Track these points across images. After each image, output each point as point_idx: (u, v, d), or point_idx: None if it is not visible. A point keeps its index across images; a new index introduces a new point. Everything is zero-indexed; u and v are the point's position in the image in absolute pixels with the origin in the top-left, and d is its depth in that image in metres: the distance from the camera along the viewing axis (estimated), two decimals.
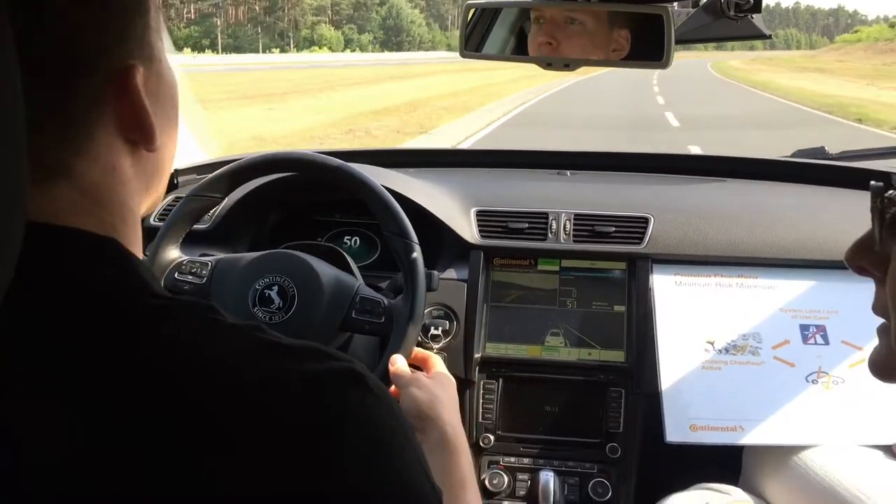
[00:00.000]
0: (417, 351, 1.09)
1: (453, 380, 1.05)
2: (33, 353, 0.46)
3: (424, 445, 0.88)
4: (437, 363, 1.08)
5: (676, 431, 1.22)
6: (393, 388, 1.05)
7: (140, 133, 0.54)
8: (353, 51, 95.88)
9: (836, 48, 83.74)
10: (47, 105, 0.49)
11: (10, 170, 0.37)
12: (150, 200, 0.60)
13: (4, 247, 0.37)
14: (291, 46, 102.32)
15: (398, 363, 1.07)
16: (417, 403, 0.96)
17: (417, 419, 0.94)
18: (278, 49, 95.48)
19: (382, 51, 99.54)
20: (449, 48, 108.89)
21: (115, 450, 0.44)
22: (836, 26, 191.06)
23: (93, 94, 0.51)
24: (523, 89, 21.75)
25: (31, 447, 0.44)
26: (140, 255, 0.56)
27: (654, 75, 24.51)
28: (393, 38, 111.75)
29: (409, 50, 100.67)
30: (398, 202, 1.26)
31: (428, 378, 1.03)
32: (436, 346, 1.38)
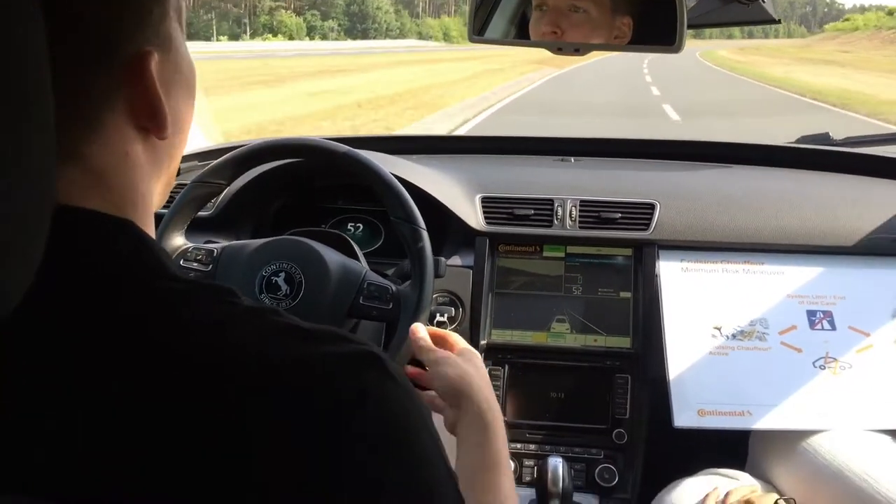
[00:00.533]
0: (434, 330, 1.07)
1: (478, 354, 1.00)
2: (51, 334, 0.46)
3: (461, 423, 0.87)
4: (459, 339, 1.05)
5: (684, 416, 1.22)
6: (412, 369, 1.01)
7: (152, 121, 0.53)
8: (315, 39, 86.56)
9: (831, 37, 79.37)
10: (60, 89, 0.48)
11: (42, 153, 0.36)
12: (161, 188, 0.60)
13: (36, 227, 0.37)
14: (247, 34, 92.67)
15: (420, 333, 1.00)
16: (450, 381, 0.91)
17: (452, 397, 0.90)
18: (227, 37, 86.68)
19: (347, 39, 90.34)
20: (420, 36, 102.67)
21: (133, 432, 0.44)
22: (813, 15, 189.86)
23: (106, 79, 0.51)
24: (485, 91, 16.55)
25: (48, 426, 0.44)
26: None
27: (647, 76, 23.10)
28: (358, 25, 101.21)
29: (374, 38, 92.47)
30: (404, 188, 1.26)
31: (456, 354, 0.98)
32: None
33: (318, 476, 0.45)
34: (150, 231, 0.56)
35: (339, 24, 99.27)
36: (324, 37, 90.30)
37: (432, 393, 0.94)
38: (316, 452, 0.45)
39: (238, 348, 0.47)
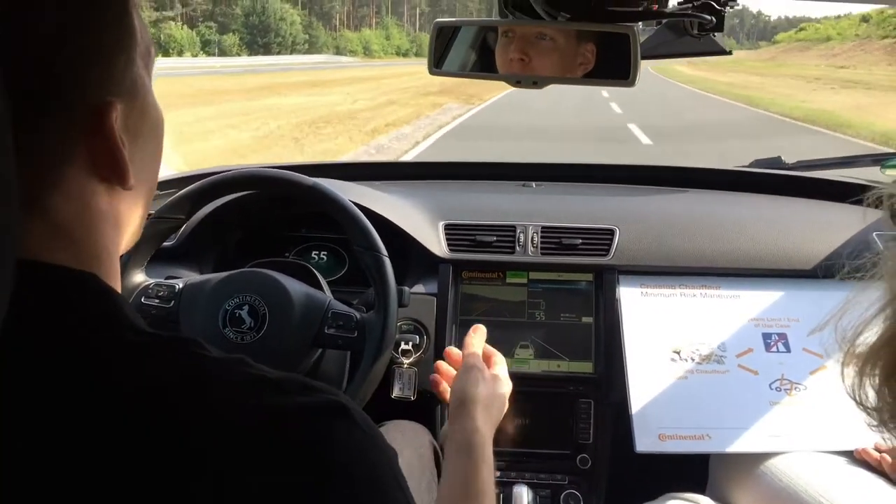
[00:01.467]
0: (487, 347, 1.10)
1: (509, 390, 1.05)
2: (15, 390, 0.45)
3: (450, 435, 0.92)
4: (500, 365, 1.09)
5: (646, 441, 1.24)
6: (438, 374, 1.09)
7: (113, 172, 0.53)
8: (212, 54, 73.03)
9: (795, 48, 71.78)
10: (20, 139, 0.48)
11: (2, 211, 0.36)
12: (127, 236, 0.59)
13: None
14: None
15: (475, 341, 1.08)
16: (464, 394, 0.97)
17: (456, 408, 0.96)
18: None
19: (248, 54, 76.86)
20: (337, 50, 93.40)
21: (102, 490, 0.43)
22: (741, 27, 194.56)
23: (67, 130, 0.50)
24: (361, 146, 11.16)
25: (15, 488, 0.43)
26: (119, 290, 0.55)
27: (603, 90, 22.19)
28: (258, 38, 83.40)
29: (279, 53, 78.62)
30: (366, 216, 1.26)
31: (489, 376, 1.03)
32: (406, 360, 1.38)
33: None
34: (115, 282, 0.55)
35: (241, 38, 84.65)
36: (223, 52, 77.79)
37: (447, 391, 1.04)
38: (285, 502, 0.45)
39: (205, 403, 0.47)
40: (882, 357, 0.50)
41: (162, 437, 0.45)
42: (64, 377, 0.46)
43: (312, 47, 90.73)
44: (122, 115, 0.52)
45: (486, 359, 1.09)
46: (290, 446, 0.47)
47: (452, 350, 1.13)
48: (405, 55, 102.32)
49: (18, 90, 0.46)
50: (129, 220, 0.58)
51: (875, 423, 0.53)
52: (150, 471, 0.44)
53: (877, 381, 0.51)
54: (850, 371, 0.53)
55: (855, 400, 0.53)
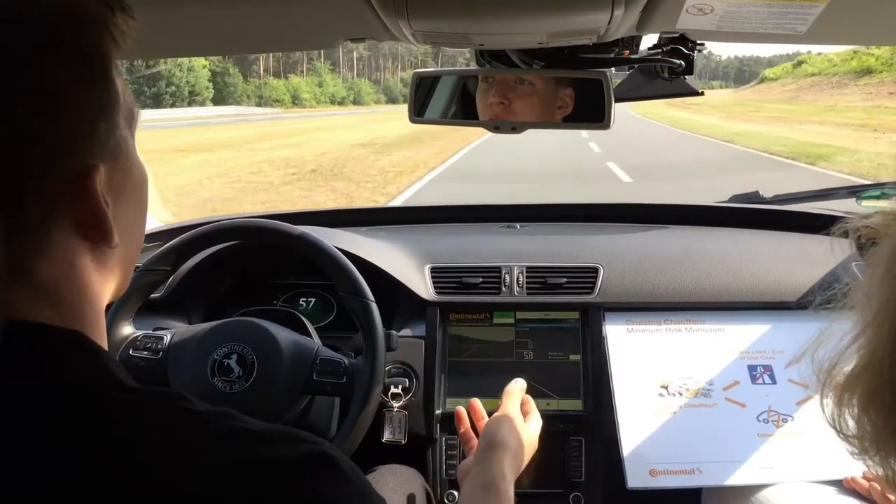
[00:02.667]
0: (526, 396, 1.16)
1: (536, 442, 1.10)
2: (2, 448, 0.46)
3: (471, 473, 0.96)
4: (534, 417, 1.14)
5: (637, 477, 1.24)
6: (465, 411, 1.17)
7: (98, 233, 0.54)
8: None
9: (786, 85, 62.47)
10: (4, 206, 0.49)
11: None
12: (113, 290, 0.60)
13: None
14: None
15: (517, 387, 1.15)
16: (496, 438, 1.01)
17: (485, 449, 1.00)
18: None
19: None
20: (260, 100, 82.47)
21: None
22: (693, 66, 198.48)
23: (50, 195, 0.51)
24: None
25: None
26: (105, 346, 0.56)
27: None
28: (146, 88, 63.77)
29: (172, 105, 62.96)
30: (352, 262, 1.28)
31: (522, 426, 1.07)
32: (396, 404, 1.39)
33: None
34: (101, 338, 0.56)
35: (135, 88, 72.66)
36: None
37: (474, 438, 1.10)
38: None
39: (191, 457, 0.48)
40: (859, 386, 0.52)
41: (146, 493, 0.46)
42: (48, 435, 0.47)
43: (224, 97, 77.27)
44: (105, 176, 0.54)
45: (525, 403, 1.15)
46: (276, 499, 0.47)
47: (477, 403, 1.19)
48: (341, 104, 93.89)
49: (2, 157, 0.48)
50: (114, 276, 0.59)
51: (857, 451, 0.54)
52: None
53: (855, 410, 0.52)
54: (829, 402, 0.55)
55: (835, 429, 0.55)
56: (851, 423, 0.53)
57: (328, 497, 0.49)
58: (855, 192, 1.75)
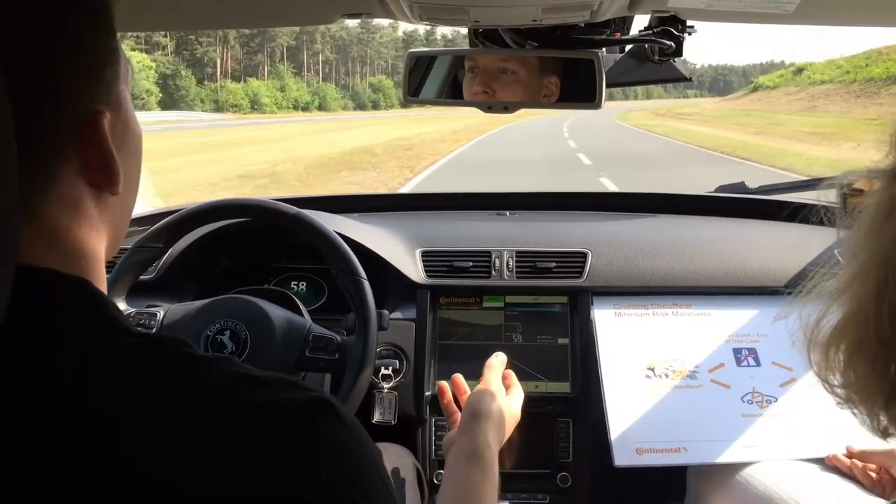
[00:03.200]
0: (507, 371, 1.17)
1: (518, 414, 1.11)
2: (12, 394, 0.46)
3: (456, 443, 0.97)
4: (516, 390, 1.15)
5: (624, 456, 1.26)
6: (447, 384, 1.18)
7: (105, 177, 0.55)
8: None
9: (791, 93, 56.24)
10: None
11: (5, 212, 0.38)
12: (110, 244, 0.61)
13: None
14: None
15: (497, 361, 1.16)
16: (479, 409, 1.03)
17: (469, 420, 1.01)
18: None
19: None
20: (216, 105, 74.91)
21: (94, 487, 0.45)
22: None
23: (60, 136, 0.52)
24: None
25: (17, 487, 0.45)
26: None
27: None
28: None
29: None
30: (346, 244, 1.29)
31: (504, 398, 1.09)
32: (387, 385, 1.40)
33: None
34: (103, 286, 0.57)
35: None
36: None
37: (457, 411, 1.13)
38: (272, 498, 0.47)
39: (195, 400, 0.49)
40: (845, 337, 0.53)
41: (151, 433, 0.46)
42: (56, 378, 0.47)
43: (175, 101, 71.64)
44: (109, 124, 0.54)
45: (505, 377, 1.17)
46: (276, 440, 0.48)
47: (460, 378, 1.20)
48: (305, 109, 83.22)
49: (14, 96, 0.49)
50: (113, 228, 0.59)
51: (843, 402, 0.56)
52: (141, 465, 0.45)
53: (842, 361, 0.54)
54: (816, 356, 0.57)
55: (822, 381, 0.56)
56: (838, 374, 0.55)
57: (326, 441, 0.50)
58: (842, 183, 1.78)
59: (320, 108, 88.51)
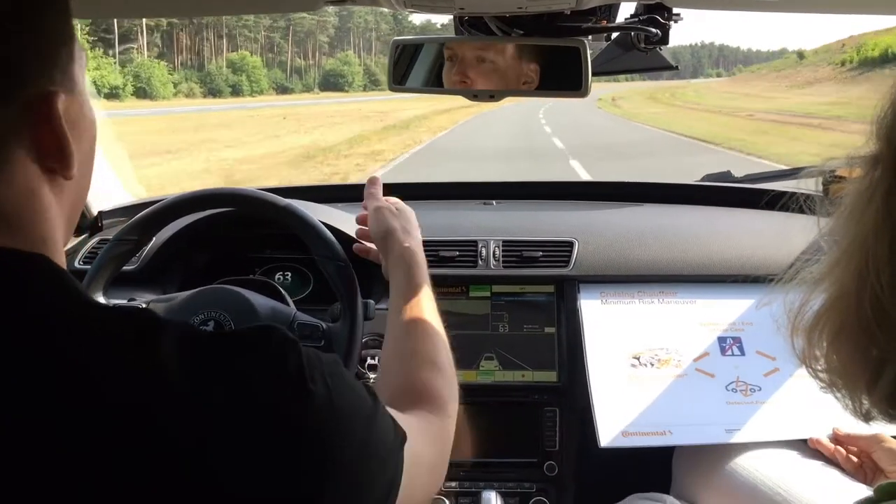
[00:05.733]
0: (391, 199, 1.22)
1: (412, 211, 1.20)
2: None
3: (388, 261, 1.08)
4: (397, 201, 1.23)
5: (608, 437, 1.26)
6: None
7: (59, 160, 0.54)
8: None
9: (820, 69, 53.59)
10: None
11: None
12: (67, 230, 0.60)
13: None
14: None
15: (375, 188, 1.22)
16: (383, 228, 1.12)
17: (382, 240, 1.11)
18: None
19: None
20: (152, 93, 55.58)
21: (67, 454, 0.45)
22: (723, 59, 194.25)
23: (12, 117, 0.51)
24: None
25: None
26: None
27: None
28: None
29: None
30: (331, 233, 1.29)
31: (395, 209, 1.18)
32: (372, 375, 1.40)
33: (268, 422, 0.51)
34: (62, 265, 0.56)
35: None
36: None
37: (373, 247, 1.18)
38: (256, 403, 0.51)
39: (160, 361, 0.50)
40: (828, 322, 0.54)
41: (117, 402, 0.47)
42: (22, 352, 0.47)
43: None
44: (63, 105, 0.54)
45: (386, 199, 1.23)
46: (249, 366, 0.52)
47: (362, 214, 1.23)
48: (113, 97, 50.76)
49: None
50: (67, 213, 0.59)
51: (826, 386, 0.56)
52: (109, 431, 0.46)
53: (824, 345, 0.55)
54: (800, 341, 0.57)
55: (805, 365, 0.57)
56: (822, 358, 0.55)
57: (295, 357, 0.56)
58: (823, 171, 1.78)
59: (140, 94, 58.02)
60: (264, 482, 0.49)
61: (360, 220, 1.21)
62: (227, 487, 0.48)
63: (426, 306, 1.00)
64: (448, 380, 0.90)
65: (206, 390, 0.49)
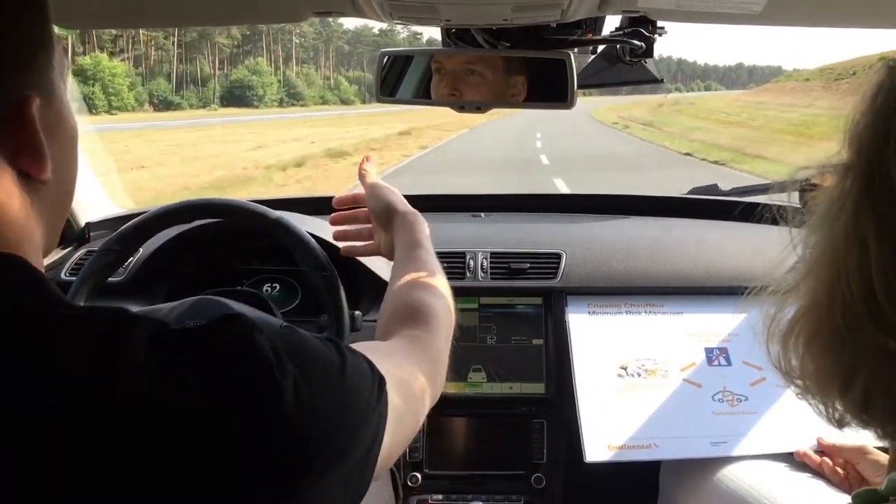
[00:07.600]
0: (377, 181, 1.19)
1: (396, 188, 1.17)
2: None
3: (394, 232, 1.05)
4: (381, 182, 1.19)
5: (595, 451, 1.26)
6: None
7: (33, 162, 0.53)
8: None
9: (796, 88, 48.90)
10: None
11: None
12: (49, 239, 0.59)
13: None
14: None
15: (370, 166, 1.16)
16: (384, 198, 1.09)
17: (384, 216, 1.08)
18: None
19: None
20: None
21: (47, 457, 0.45)
22: (681, 74, 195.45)
23: None
24: None
25: None
26: None
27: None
28: None
29: None
30: (319, 245, 1.28)
31: (386, 186, 1.14)
32: None
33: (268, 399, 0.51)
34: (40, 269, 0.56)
35: None
36: None
37: (359, 244, 1.15)
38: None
39: (138, 363, 0.49)
40: (802, 329, 0.54)
41: (93, 402, 0.46)
42: (5, 355, 0.47)
43: None
44: (40, 111, 0.53)
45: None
46: (220, 351, 0.51)
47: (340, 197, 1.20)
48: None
49: None
50: (48, 220, 0.58)
51: (801, 392, 0.57)
52: (87, 434, 0.46)
53: (799, 351, 0.55)
54: (775, 348, 0.57)
55: (781, 371, 0.57)
56: (796, 365, 0.56)
57: (263, 340, 0.54)
58: (796, 180, 1.80)
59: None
60: (234, 469, 0.48)
61: (335, 221, 1.19)
62: (196, 469, 0.47)
63: (429, 260, 1.01)
64: (440, 299, 0.93)
65: (172, 384, 0.49)
